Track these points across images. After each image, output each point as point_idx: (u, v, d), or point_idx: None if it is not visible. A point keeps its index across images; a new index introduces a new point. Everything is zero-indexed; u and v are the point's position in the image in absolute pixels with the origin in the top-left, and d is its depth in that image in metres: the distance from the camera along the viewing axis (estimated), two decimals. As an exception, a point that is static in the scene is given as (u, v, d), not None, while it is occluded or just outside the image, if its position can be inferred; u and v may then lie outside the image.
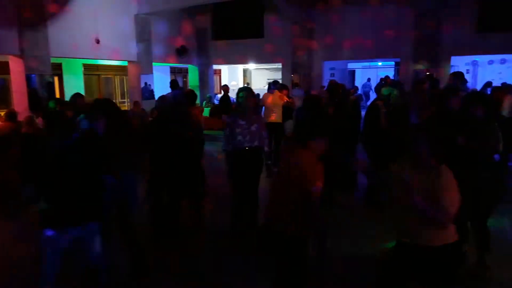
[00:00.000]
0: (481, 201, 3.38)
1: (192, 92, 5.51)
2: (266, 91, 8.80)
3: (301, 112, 5.80)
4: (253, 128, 4.24)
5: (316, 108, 5.23)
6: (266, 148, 4.45)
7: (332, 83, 8.45)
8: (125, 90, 14.17)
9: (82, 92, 12.37)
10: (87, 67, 12.78)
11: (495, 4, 11.72)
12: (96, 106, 3.28)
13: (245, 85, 20.40)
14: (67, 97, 11.21)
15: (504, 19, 11.64)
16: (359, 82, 18.83)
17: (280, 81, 14.80)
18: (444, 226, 2.36)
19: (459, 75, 5.90)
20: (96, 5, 10.36)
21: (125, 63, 12.66)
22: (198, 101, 15.37)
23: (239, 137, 4.22)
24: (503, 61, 15.53)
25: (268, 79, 18.69)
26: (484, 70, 16.11)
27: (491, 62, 15.73)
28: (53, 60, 9.70)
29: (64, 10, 9.61)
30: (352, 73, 19.22)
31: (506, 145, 3.47)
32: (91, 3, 10.26)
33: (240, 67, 21.06)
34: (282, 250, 2.52)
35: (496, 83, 10.40)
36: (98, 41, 10.42)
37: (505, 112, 6.16)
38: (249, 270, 3.78)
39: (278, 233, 2.50)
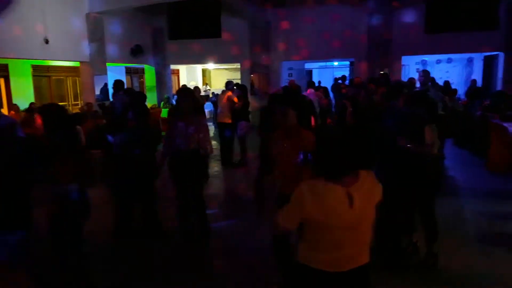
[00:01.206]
0: (424, 193, 3.54)
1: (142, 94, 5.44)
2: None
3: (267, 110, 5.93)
4: (190, 130, 4.13)
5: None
6: (201, 151, 4.23)
7: (291, 83, 8.78)
8: (78, 91, 13.63)
9: (32, 95, 11.80)
10: (36, 68, 12.15)
11: (441, 7, 12.39)
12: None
13: (204, 85, 20.25)
14: (15, 100, 10.65)
15: (450, 21, 12.33)
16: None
17: (240, 81, 14.87)
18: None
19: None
20: (44, 2, 9.88)
21: (78, 64, 12.18)
22: (155, 102, 15.10)
23: (178, 140, 4.13)
24: (449, 61, 16.41)
25: (227, 79, 18.63)
26: (433, 69, 16.94)
27: (439, 62, 16.58)
28: (-3, 61, 9.18)
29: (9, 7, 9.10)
30: (310, 73, 19.56)
31: (441, 138, 3.63)
32: (38, 1, 9.78)
33: (199, 67, 20.86)
34: None
35: (443, 81, 10.98)
36: (47, 41, 9.94)
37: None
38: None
39: None
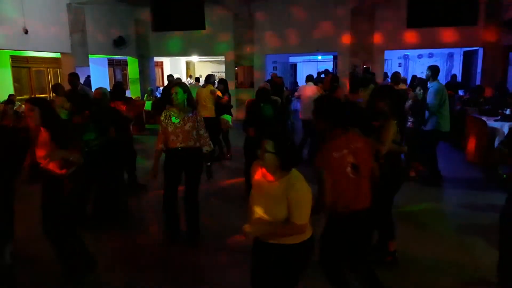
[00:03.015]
0: (382, 191, 3.41)
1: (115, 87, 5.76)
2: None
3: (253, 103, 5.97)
4: (187, 127, 3.99)
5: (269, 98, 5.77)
6: (204, 149, 4.08)
7: (273, 76, 8.84)
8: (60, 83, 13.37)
9: (11, 86, 11.54)
10: (15, 59, 11.88)
11: (423, 2, 12.57)
12: None
13: (188, 77, 20.13)
14: (-7, 92, 10.40)
15: (431, 16, 12.52)
16: (302, 76, 19.18)
17: (224, 74, 14.81)
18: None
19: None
20: (23, -8, 9.62)
21: (59, 55, 11.94)
22: (139, 94, 14.94)
23: (172, 137, 3.99)
24: (430, 55, 16.71)
25: (212, 71, 18.58)
26: (414, 63, 17.24)
27: (420, 56, 16.87)
28: (-25, 52, 8.93)
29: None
30: (294, 66, 19.64)
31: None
32: (17, -10, 9.52)
33: (183, 60, 20.70)
34: None
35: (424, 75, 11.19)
36: (26, 31, 9.70)
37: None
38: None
39: None
